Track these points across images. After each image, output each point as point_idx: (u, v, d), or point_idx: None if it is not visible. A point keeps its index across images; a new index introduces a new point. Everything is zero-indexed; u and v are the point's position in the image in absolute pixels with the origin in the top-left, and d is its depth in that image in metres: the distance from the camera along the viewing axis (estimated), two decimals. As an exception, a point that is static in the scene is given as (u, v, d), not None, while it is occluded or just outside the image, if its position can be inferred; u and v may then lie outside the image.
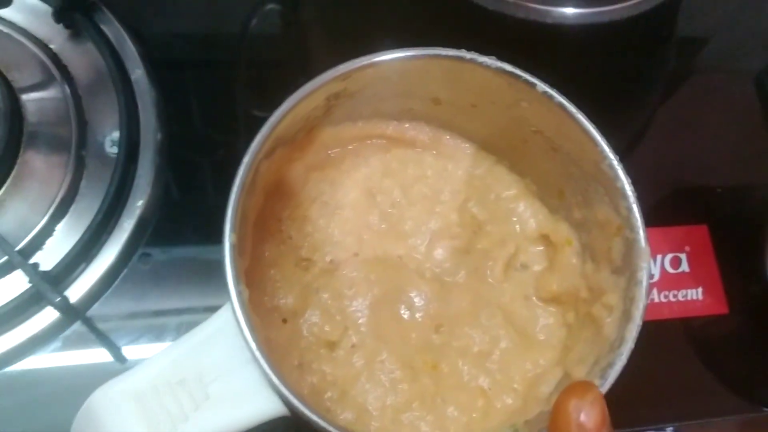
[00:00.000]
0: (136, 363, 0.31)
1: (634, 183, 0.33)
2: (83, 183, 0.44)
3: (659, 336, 0.47)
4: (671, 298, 0.48)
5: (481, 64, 0.32)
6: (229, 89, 0.52)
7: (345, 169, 0.37)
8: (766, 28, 0.60)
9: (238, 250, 0.30)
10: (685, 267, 0.48)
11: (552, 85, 0.33)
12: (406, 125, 0.38)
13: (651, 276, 0.48)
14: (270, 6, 0.57)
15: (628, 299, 0.31)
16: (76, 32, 0.47)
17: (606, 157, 0.32)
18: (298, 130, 0.34)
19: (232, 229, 0.29)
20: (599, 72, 0.54)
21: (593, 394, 0.27)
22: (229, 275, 0.28)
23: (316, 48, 0.56)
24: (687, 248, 0.49)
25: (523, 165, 0.38)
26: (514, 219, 0.38)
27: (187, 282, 0.44)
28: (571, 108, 0.32)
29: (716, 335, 0.48)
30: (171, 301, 0.44)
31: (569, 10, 0.51)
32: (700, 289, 0.48)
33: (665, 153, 0.52)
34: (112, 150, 0.45)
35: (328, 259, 0.36)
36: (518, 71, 0.32)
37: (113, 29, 0.48)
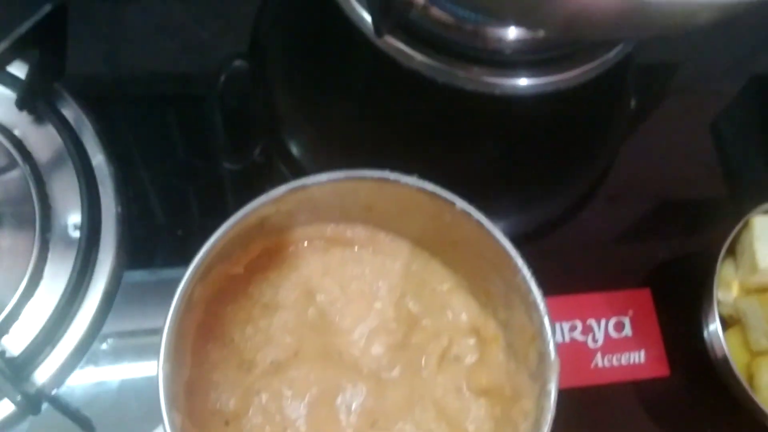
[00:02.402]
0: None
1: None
2: (47, 267, 0.46)
3: (608, 399, 0.49)
4: (614, 363, 0.49)
5: (404, 184, 0.34)
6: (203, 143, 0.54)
7: (285, 271, 0.39)
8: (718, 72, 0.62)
9: (177, 364, 0.32)
10: (628, 331, 0.50)
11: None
12: (344, 227, 0.40)
13: (595, 341, 0.50)
14: (237, 63, 0.58)
15: (539, 408, 0.33)
16: (38, 118, 0.49)
17: (519, 271, 0.34)
18: (234, 248, 0.36)
19: (166, 358, 0.31)
20: (547, 135, 0.56)
21: None
22: (162, 404, 0.30)
23: (283, 106, 0.58)
24: (630, 312, 0.51)
25: (455, 261, 0.40)
26: (448, 312, 0.40)
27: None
28: (488, 225, 0.34)
29: (660, 397, 0.50)
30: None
31: (520, 82, 0.52)
32: (642, 352, 0.50)
33: (611, 217, 0.54)
34: (75, 234, 0.47)
35: (269, 360, 0.38)
36: (438, 190, 0.34)
37: (74, 112, 0.50)
